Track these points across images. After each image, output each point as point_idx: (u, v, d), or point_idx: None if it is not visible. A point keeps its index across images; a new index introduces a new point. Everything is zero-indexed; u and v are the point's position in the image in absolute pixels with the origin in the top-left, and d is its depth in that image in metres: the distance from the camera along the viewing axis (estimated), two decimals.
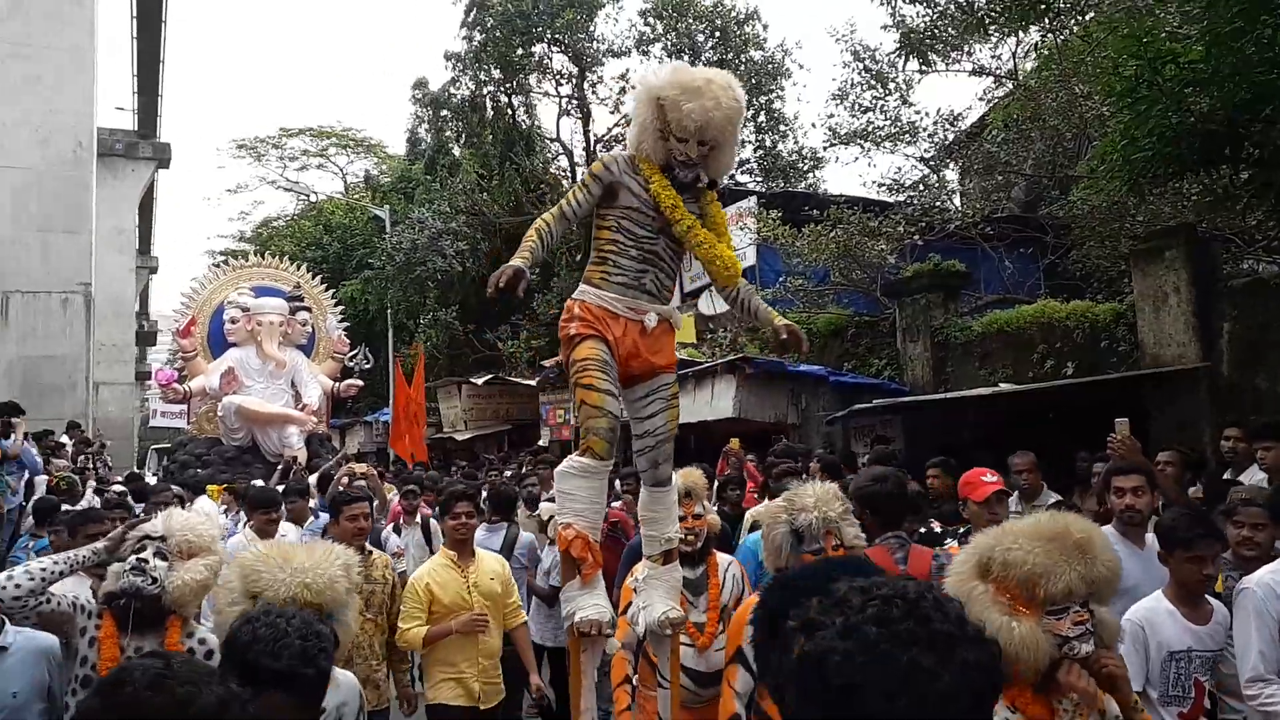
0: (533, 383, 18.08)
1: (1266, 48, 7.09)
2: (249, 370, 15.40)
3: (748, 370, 10.55)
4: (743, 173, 22.35)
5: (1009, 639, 2.16)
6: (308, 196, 36.33)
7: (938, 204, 12.52)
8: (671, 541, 3.78)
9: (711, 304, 15.09)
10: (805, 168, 22.06)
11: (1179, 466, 5.71)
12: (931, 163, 13.84)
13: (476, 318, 23.02)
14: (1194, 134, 7.65)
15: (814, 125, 39.72)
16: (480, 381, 19.33)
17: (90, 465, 13.36)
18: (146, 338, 44.21)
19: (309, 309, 16.63)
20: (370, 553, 4.89)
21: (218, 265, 19.79)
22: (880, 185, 13.12)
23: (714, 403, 10.91)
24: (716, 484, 7.34)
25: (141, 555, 3.15)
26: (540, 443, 15.93)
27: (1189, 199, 9.56)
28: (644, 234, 3.68)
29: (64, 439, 13.56)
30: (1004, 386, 9.42)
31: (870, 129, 13.36)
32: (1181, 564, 3.52)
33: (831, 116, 13.99)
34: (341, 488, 6.56)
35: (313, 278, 18.29)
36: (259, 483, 10.82)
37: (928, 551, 3.99)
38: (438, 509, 5.71)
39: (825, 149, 13.58)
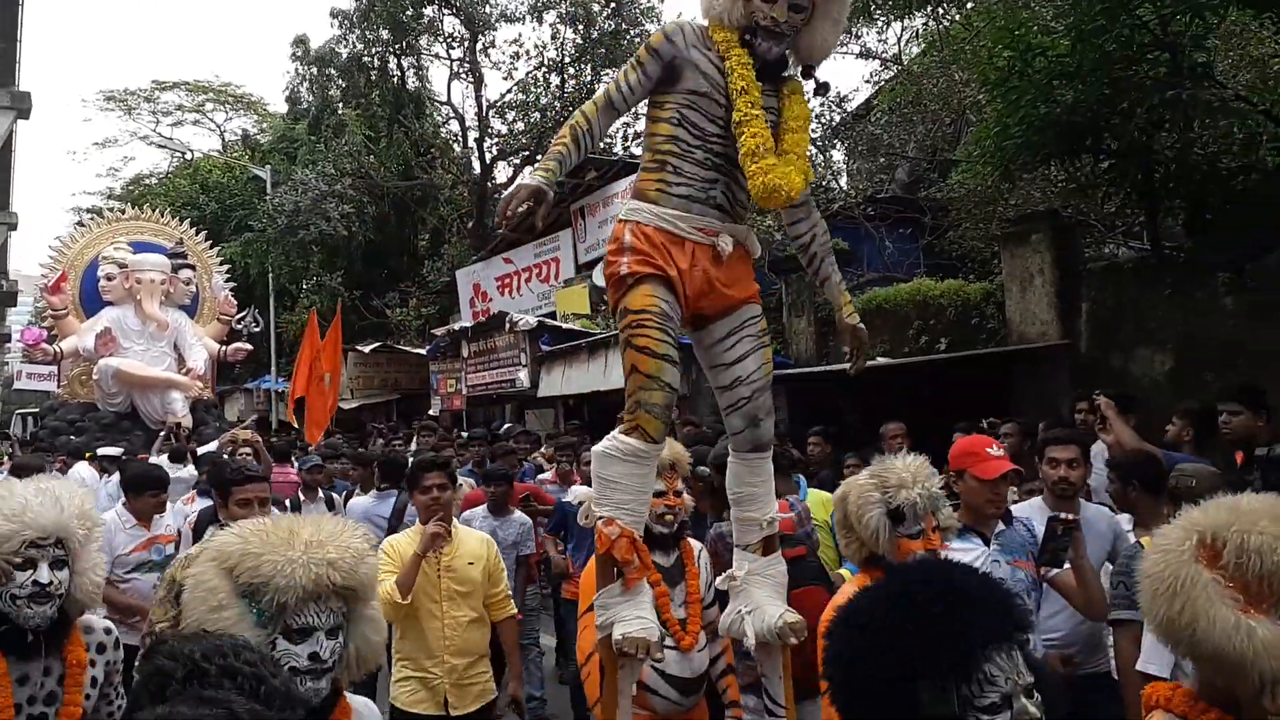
0: (422, 351, 17.90)
1: (1125, 45, 7.61)
2: (127, 331, 14.48)
3: None
4: (637, 144, 22.42)
5: (1243, 645, 1.61)
6: (183, 154, 34.63)
7: (823, 184, 12.88)
8: (774, 525, 3.21)
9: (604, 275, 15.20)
10: None
11: (1018, 436, 6.14)
12: (818, 143, 14.20)
13: (363, 284, 22.55)
14: (1060, 124, 8.16)
15: None
16: (368, 349, 19.00)
17: None
18: (6, 298, 41.45)
19: (193, 267, 15.65)
20: None
21: (83, 223, 18.64)
22: None
23: (607, 374, 11.06)
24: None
25: (37, 578, 2.39)
26: (430, 412, 15.82)
27: (1055, 186, 10.16)
28: (714, 130, 2.97)
29: None
30: (881, 360, 9.85)
31: None
32: None
33: None
34: (225, 457, 6.16)
35: (196, 234, 17.23)
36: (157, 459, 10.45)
37: (784, 503, 4.17)
38: (405, 481, 4.97)
39: None
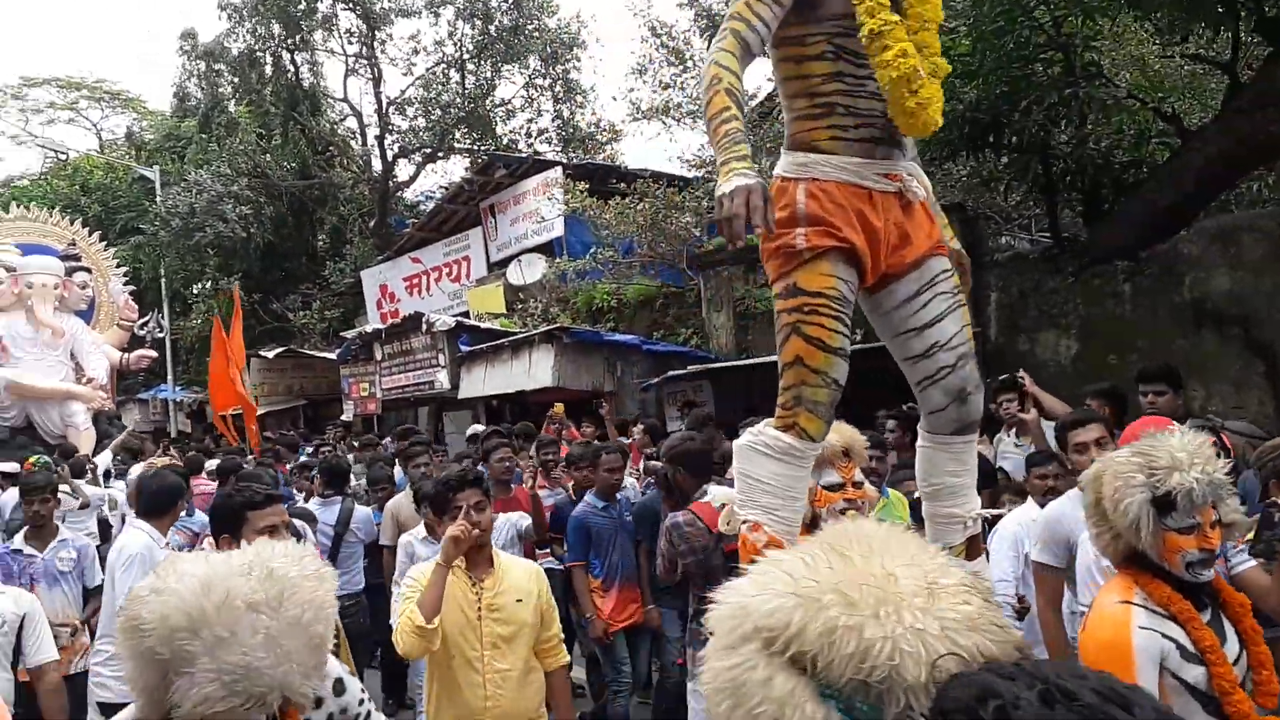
0: (330, 356, 17.50)
1: (1023, 45, 8.05)
2: (18, 340, 13.59)
3: (565, 339, 10.77)
4: (541, 141, 22.39)
5: None
6: (63, 154, 32.84)
7: None
8: (978, 522, 2.79)
9: (520, 273, 15.16)
10: (604, 140, 22.36)
11: (902, 426, 5.95)
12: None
13: (262, 287, 21.85)
14: (963, 121, 8.54)
15: (614, 99, 39.88)
16: (272, 355, 18.45)
17: None
18: None
19: (88, 270, 14.73)
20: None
21: None
22: (683, 161, 13.61)
23: (532, 372, 11.06)
24: (534, 447, 7.34)
25: None
26: (344, 417, 15.48)
27: (959, 180, 10.62)
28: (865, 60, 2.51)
29: None
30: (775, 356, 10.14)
31: (670, 105, 13.82)
32: None
33: (632, 90, 14.29)
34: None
35: (89, 235, 16.23)
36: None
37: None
38: (427, 505, 4.27)
39: (628, 123, 13.83)
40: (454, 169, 24.62)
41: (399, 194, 22.99)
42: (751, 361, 10.24)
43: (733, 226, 2.22)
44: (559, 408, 9.18)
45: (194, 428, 20.78)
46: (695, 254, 12.04)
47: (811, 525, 2.66)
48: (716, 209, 2.29)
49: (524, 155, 17.09)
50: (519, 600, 3.27)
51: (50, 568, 4.86)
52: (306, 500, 6.75)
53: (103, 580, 4.76)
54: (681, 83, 13.76)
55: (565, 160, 16.53)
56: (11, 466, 10.21)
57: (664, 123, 13.53)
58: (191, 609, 1.29)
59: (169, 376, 21.19)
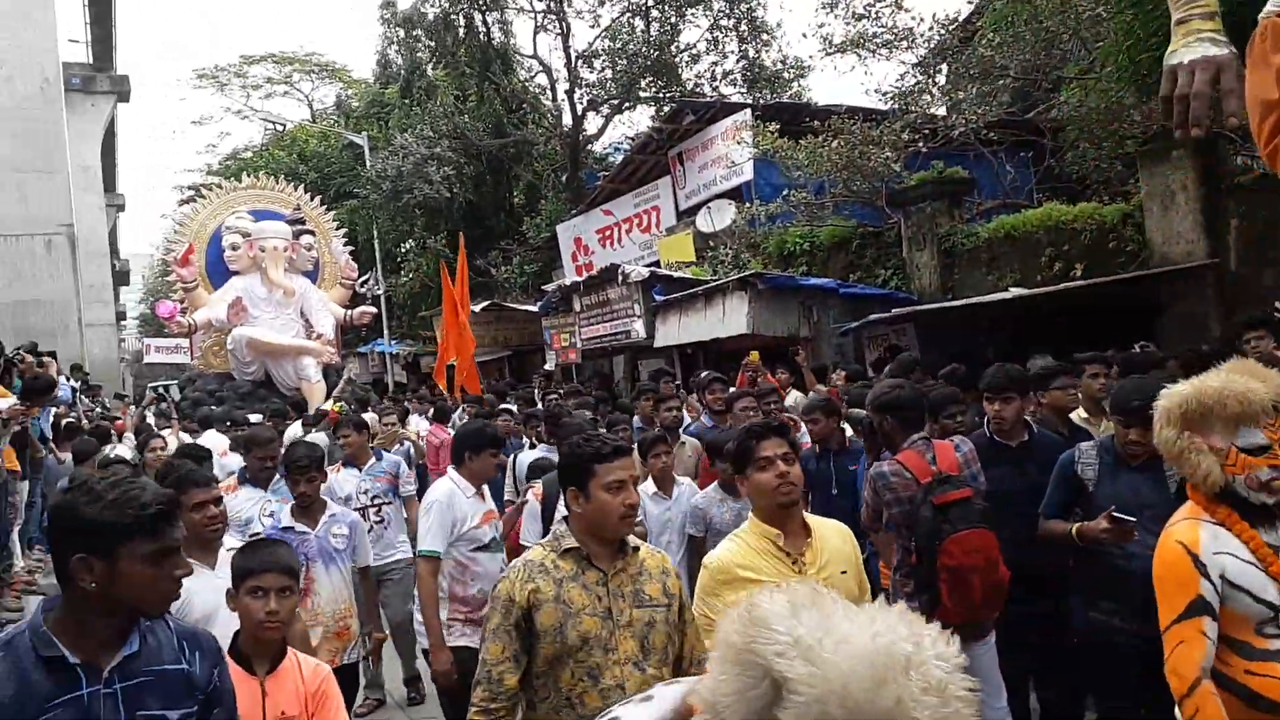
0: (531, 308, 18.17)
1: None
2: (255, 300, 14.77)
3: (759, 286, 10.68)
4: (726, 84, 22.10)
5: None
6: (280, 125, 35.39)
7: (939, 110, 12.47)
8: None
9: (709, 220, 15.13)
10: (790, 77, 21.81)
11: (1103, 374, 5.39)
12: (922, 68, 13.75)
13: (467, 244, 22.86)
14: None
15: (804, 36, 38.56)
16: (479, 308, 19.31)
17: (94, 408, 13.43)
18: (120, 277, 43.58)
19: (312, 232, 15.90)
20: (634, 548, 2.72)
21: (202, 194, 19.16)
22: (879, 94, 13.06)
23: (726, 319, 11.07)
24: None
25: None
26: (546, 367, 16.08)
27: None
28: None
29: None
30: (1014, 291, 9.60)
31: (864, 37, 13.24)
32: None
33: (823, 26, 13.75)
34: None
35: (311, 200, 17.48)
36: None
37: (948, 444, 4.21)
38: (726, 458, 3.88)
39: (819, 58, 13.36)
40: (640, 119, 24.78)
41: (588, 147, 23.36)
42: (960, 303, 9.83)
43: (1191, 109, 1.75)
44: (754, 355, 9.15)
45: (409, 378, 22.19)
46: (895, 190, 11.59)
47: (1223, 496, 2.47)
48: (1165, 82, 1.80)
49: (711, 100, 16.92)
50: (843, 571, 2.87)
51: (324, 545, 4.52)
52: (531, 448, 7.05)
53: (371, 560, 4.90)
54: (876, 12, 13.16)
55: (753, 102, 16.25)
56: (256, 416, 11.31)
57: (858, 55, 12.98)
58: (853, 702, 1.03)
59: (384, 331, 22.65)
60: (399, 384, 20.74)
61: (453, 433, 7.37)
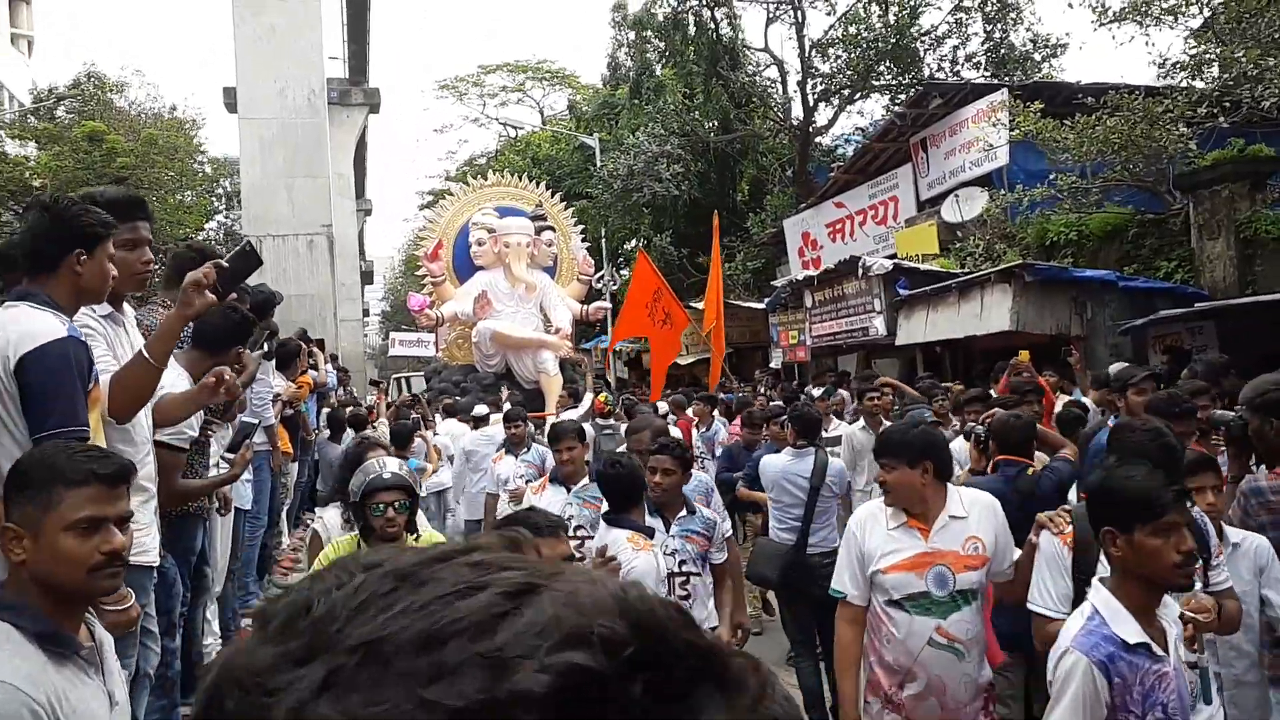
0: (755, 305, 17.75)
1: None
2: (498, 294, 15.08)
3: (1026, 278, 9.70)
4: (969, 67, 20.75)
5: None
6: (517, 128, 36.76)
7: (1236, 79, 10.86)
8: None
9: (957, 209, 14.12)
10: (1040, 59, 20.19)
11: None
12: (1215, 35, 12.12)
13: (689, 242, 22.78)
14: None
15: (1070, 6, 35.71)
16: (700, 306, 19.12)
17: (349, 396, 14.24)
18: (365, 277, 47.03)
19: (553, 229, 16.09)
20: None
21: (428, 205, 20.03)
22: (1161, 65, 11.61)
23: (984, 314, 10.16)
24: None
25: None
26: (772, 364, 15.60)
27: None
28: None
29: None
30: None
31: (1145, 2, 11.83)
32: None
33: None
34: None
35: (552, 196, 17.71)
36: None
37: None
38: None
39: (1094, 28, 11.97)
40: (873, 108, 23.78)
41: (817, 140, 22.66)
42: (1268, 298, 8.50)
43: None
44: (1024, 354, 8.28)
45: (629, 374, 22.32)
46: (1184, 172, 10.26)
47: None
48: None
49: (961, 82, 15.83)
50: None
51: None
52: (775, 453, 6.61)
53: None
54: None
55: (1003, 83, 15.04)
56: (481, 409, 11.49)
57: (1138, 22, 11.58)
58: None
59: (608, 327, 22.93)
60: (619, 379, 20.91)
61: None
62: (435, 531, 4.41)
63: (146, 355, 2.93)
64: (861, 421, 7.35)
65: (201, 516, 4.33)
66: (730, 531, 4.49)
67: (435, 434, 10.22)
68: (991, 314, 10.06)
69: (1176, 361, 8.39)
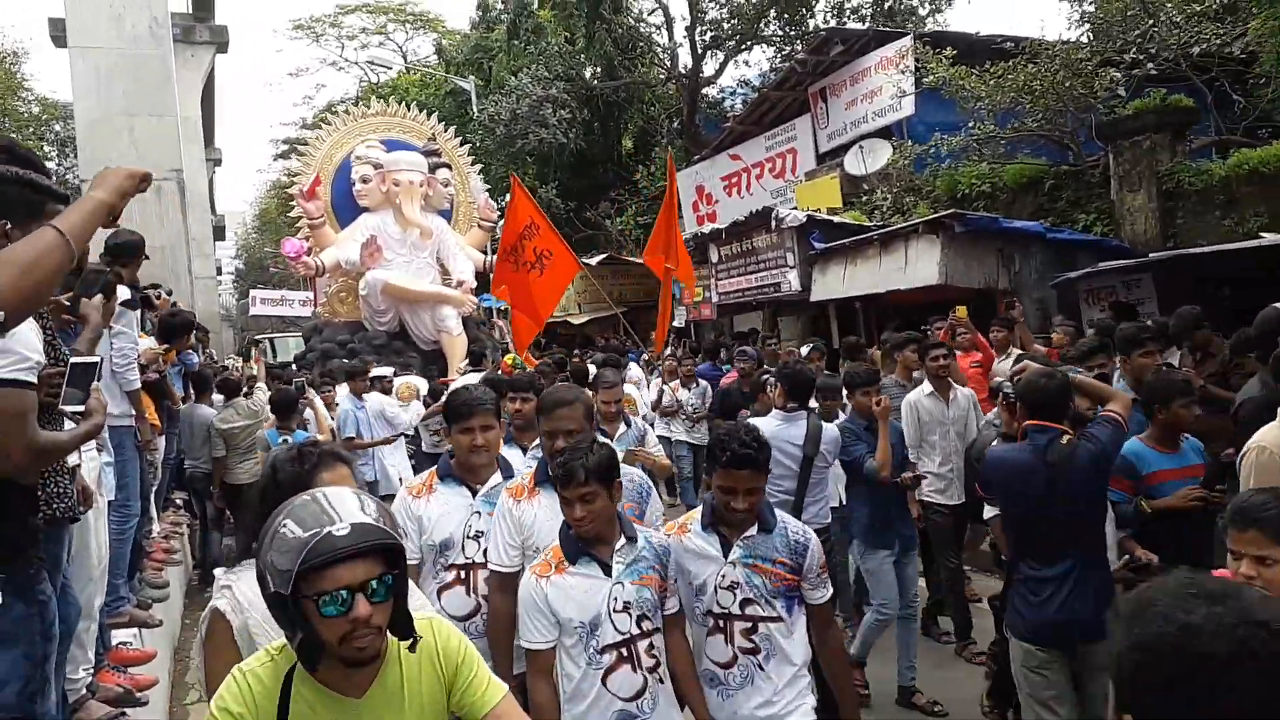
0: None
1: None
2: (389, 240, 12.95)
3: (956, 229, 9.35)
4: (854, 20, 20.48)
5: None
6: (385, 68, 34.57)
7: (1150, 28, 10.77)
8: None
9: (861, 162, 13.80)
10: (926, 12, 20.13)
11: None
12: None
13: (574, 194, 21.86)
14: None
15: None
16: (594, 262, 18.31)
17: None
18: (216, 232, 43.83)
19: (449, 166, 13.90)
20: None
21: (283, 155, 18.20)
22: (1080, 13, 11.48)
23: (910, 268, 9.81)
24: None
25: None
26: (675, 323, 14.99)
27: None
28: None
29: None
30: (1267, 237, 8.19)
31: None
32: None
33: None
34: None
35: (445, 130, 15.21)
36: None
37: None
38: None
39: None
40: (759, 59, 23.35)
41: (704, 91, 22.05)
42: (1199, 250, 8.42)
43: None
44: (962, 310, 7.96)
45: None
46: (1105, 122, 10.13)
47: None
48: None
49: (865, 29, 15.46)
50: None
51: None
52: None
53: None
54: None
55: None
56: (385, 371, 10.43)
57: None
58: None
59: (488, 283, 21.84)
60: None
61: None
62: (443, 619, 2.06)
63: (58, 227, 2.08)
64: (927, 385, 5.98)
65: (73, 519, 3.31)
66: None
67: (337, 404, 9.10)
68: (918, 267, 9.72)
69: (1120, 316, 8.23)
